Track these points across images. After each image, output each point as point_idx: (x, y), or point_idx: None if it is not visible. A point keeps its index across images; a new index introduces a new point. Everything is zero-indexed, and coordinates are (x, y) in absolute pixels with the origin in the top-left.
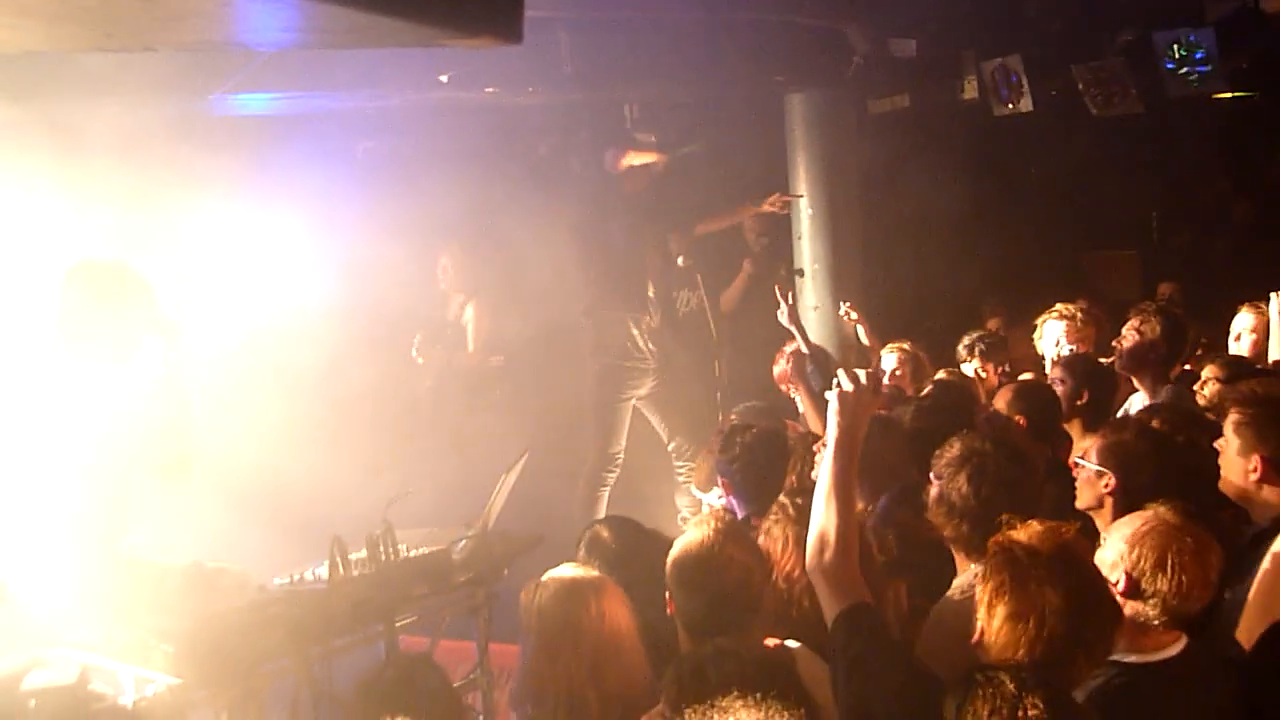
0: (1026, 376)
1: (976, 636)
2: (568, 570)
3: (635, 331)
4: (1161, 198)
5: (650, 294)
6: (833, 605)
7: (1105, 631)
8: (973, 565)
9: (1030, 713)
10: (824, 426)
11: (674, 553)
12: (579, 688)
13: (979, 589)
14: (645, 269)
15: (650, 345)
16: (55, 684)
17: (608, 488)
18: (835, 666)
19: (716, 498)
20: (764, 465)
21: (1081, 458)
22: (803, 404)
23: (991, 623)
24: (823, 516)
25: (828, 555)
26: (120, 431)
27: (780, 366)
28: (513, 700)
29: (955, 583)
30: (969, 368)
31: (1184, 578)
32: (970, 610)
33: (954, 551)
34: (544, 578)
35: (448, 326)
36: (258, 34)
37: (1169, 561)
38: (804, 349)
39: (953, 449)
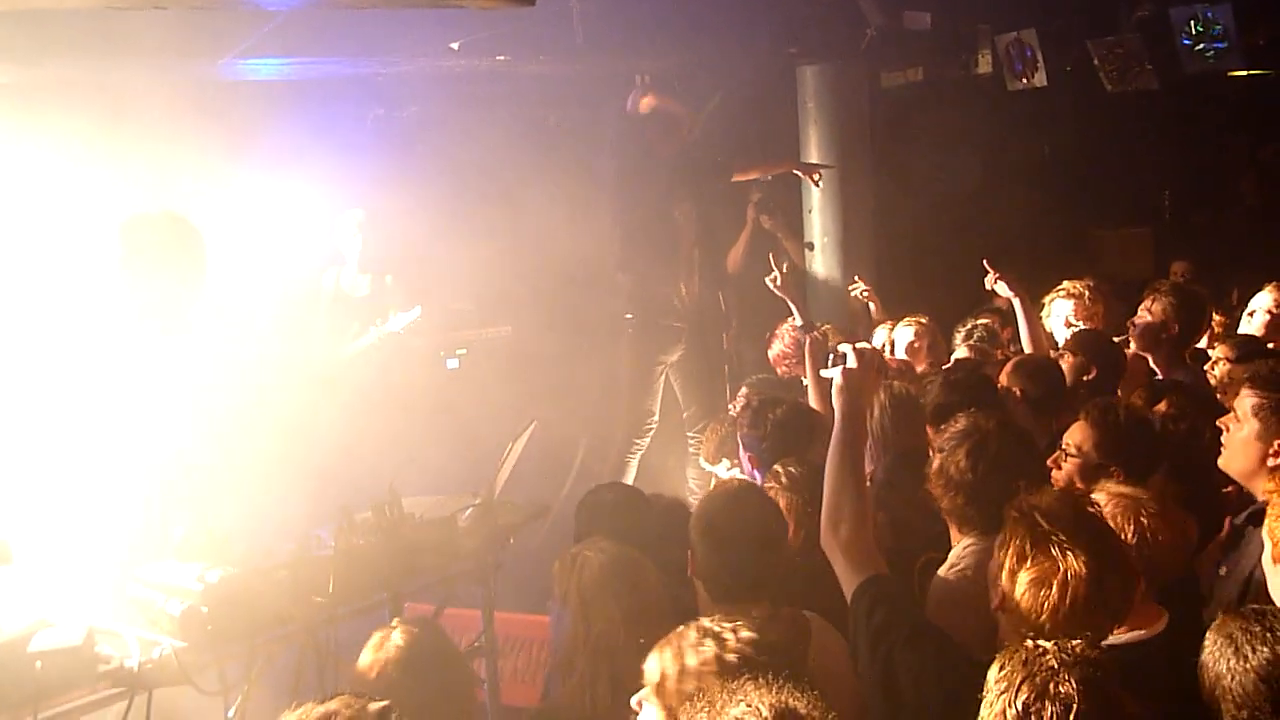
0: None
1: (998, 602)
2: (605, 543)
3: (676, 292)
4: (1175, 175)
5: (692, 258)
6: (851, 577)
7: (1127, 595)
8: (965, 539)
9: (1063, 689)
10: (825, 406)
11: (701, 507)
12: (620, 654)
13: (998, 554)
14: (679, 233)
15: (687, 308)
16: (61, 645)
17: (637, 454)
18: (857, 638)
19: (724, 470)
20: (792, 442)
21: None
22: (809, 384)
23: (1014, 589)
24: (835, 490)
25: (843, 529)
26: (177, 404)
27: (776, 348)
28: (552, 669)
29: (951, 555)
30: (961, 353)
31: (1149, 548)
32: (966, 581)
33: (949, 523)
34: (583, 550)
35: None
36: None
37: (1131, 532)
38: (797, 320)
39: (957, 424)
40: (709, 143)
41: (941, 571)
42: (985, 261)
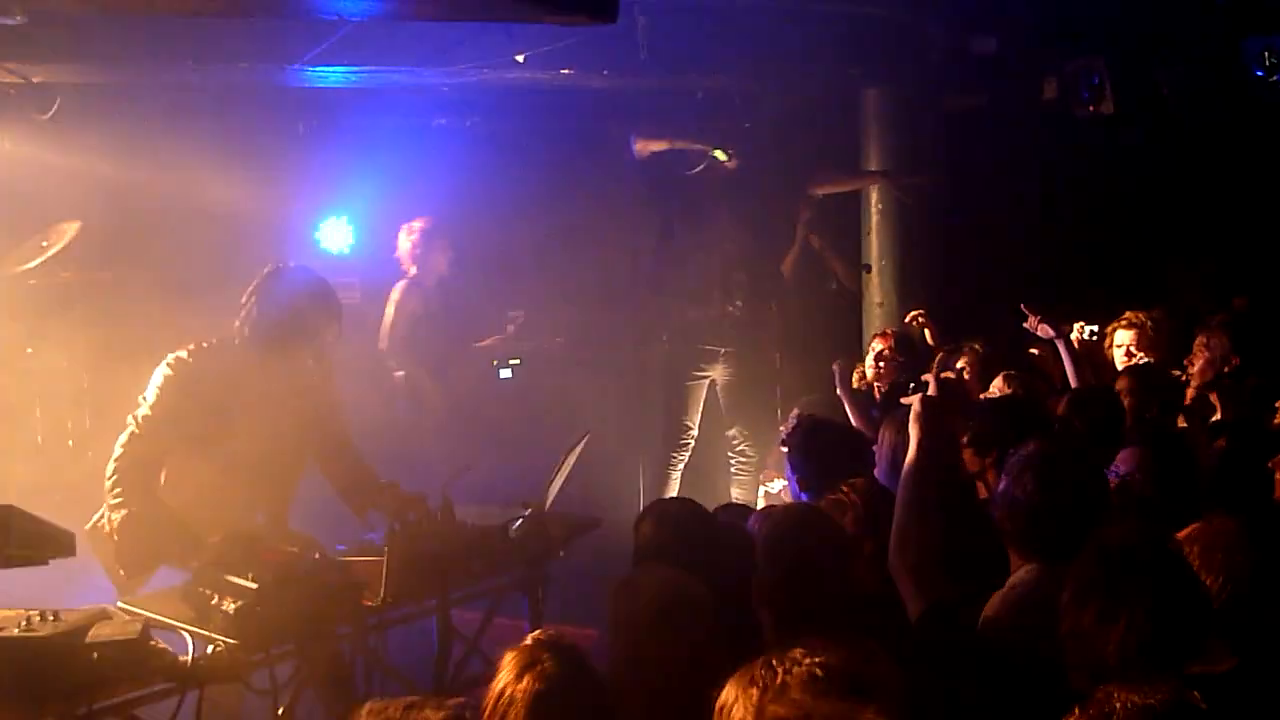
0: None
1: (1066, 627)
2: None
3: (709, 314)
4: (1244, 207)
5: (731, 280)
6: (917, 601)
7: (1197, 634)
8: (1027, 564)
9: None
10: (866, 426)
11: (771, 532)
12: (668, 693)
13: (1070, 582)
14: (713, 256)
15: (728, 329)
16: (118, 638)
17: (679, 468)
18: (920, 662)
19: (776, 487)
20: (838, 465)
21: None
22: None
23: (1080, 619)
24: (904, 515)
25: (910, 553)
26: (285, 421)
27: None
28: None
29: (1010, 580)
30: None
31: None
32: (1023, 604)
33: (1009, 548)
34: (639, 578)
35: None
36: (363, 4)
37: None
38: (852, 419)
39: (1026, 448)
40: (758, 164)
41: (1000, 594)
42: (1023, 306)
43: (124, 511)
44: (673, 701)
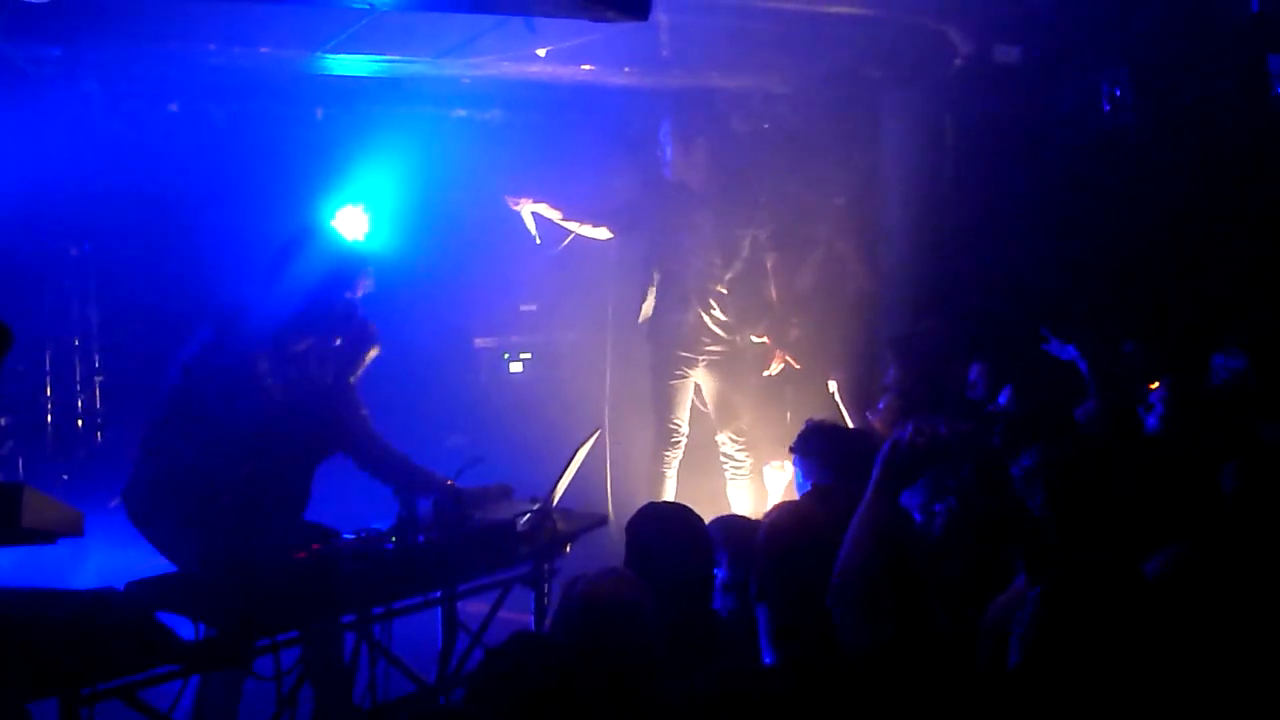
0: None
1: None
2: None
3: (697, 322)
4: (1257, 225)
5: (719, 289)
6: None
7: None
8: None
9: None
10: None
11: (771, 519)
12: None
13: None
14: (709, 265)
15: (718, 332)
16: (124, 620)
17: (671, 467)
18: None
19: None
20: (839, 462)
21: None
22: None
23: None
24: (852, 553)
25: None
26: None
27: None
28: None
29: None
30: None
31: None
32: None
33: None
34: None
35: None
36: None
37: None
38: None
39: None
40: (775, 168)
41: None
42: (1042, 329)
43: None
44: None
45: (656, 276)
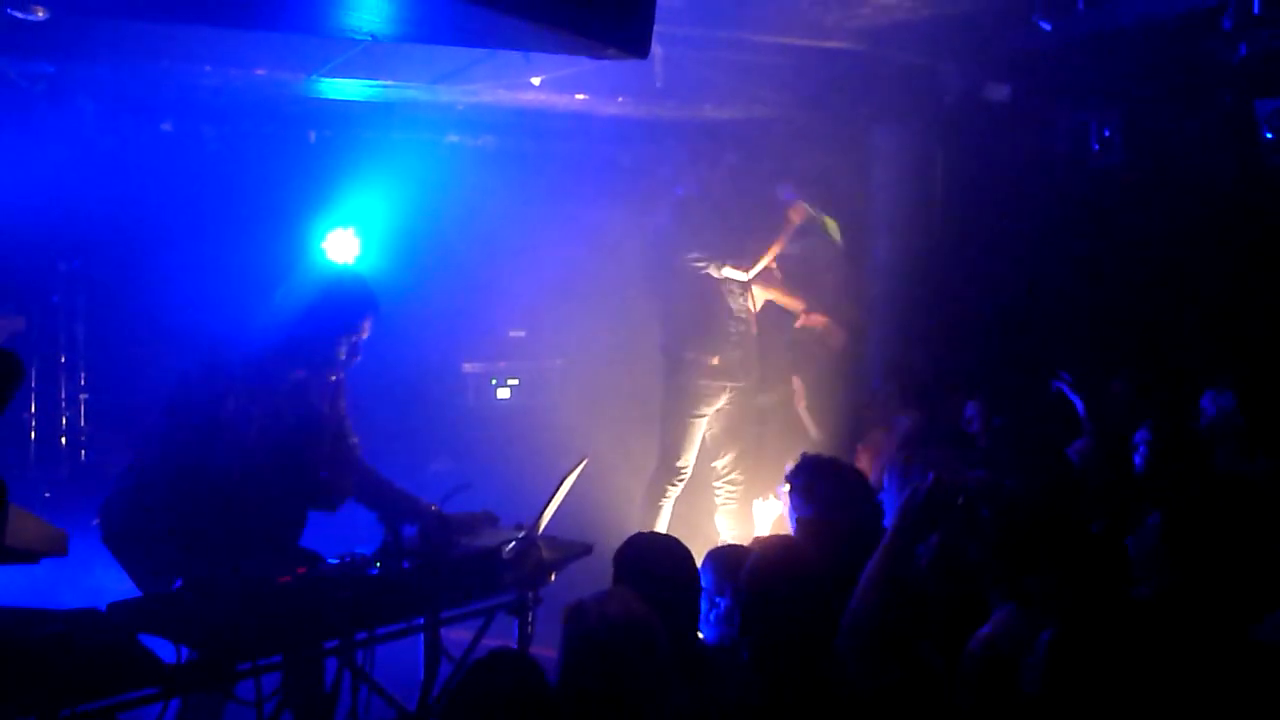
0: None
1: None
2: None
3: (710, 363)
4: (1245, 267)
5: (730, 330)
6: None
7: None
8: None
9: None
10: None
11: (755, 559)
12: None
13: None
14: (719, 305)
15: (731, 369)
16: (104, 642)
17: (670, 500)
18: None
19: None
20: (840, 506)
21: None
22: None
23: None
24: (863, 595)
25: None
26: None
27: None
28: None
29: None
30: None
31: None
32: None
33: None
34: (590, 601)
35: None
36: (396, 28)
37: None
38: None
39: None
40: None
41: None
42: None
43: None
44: None
45: (701, 315)
